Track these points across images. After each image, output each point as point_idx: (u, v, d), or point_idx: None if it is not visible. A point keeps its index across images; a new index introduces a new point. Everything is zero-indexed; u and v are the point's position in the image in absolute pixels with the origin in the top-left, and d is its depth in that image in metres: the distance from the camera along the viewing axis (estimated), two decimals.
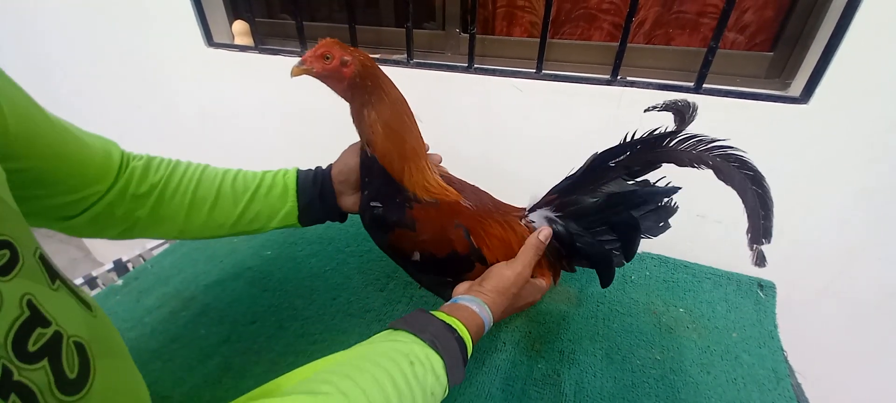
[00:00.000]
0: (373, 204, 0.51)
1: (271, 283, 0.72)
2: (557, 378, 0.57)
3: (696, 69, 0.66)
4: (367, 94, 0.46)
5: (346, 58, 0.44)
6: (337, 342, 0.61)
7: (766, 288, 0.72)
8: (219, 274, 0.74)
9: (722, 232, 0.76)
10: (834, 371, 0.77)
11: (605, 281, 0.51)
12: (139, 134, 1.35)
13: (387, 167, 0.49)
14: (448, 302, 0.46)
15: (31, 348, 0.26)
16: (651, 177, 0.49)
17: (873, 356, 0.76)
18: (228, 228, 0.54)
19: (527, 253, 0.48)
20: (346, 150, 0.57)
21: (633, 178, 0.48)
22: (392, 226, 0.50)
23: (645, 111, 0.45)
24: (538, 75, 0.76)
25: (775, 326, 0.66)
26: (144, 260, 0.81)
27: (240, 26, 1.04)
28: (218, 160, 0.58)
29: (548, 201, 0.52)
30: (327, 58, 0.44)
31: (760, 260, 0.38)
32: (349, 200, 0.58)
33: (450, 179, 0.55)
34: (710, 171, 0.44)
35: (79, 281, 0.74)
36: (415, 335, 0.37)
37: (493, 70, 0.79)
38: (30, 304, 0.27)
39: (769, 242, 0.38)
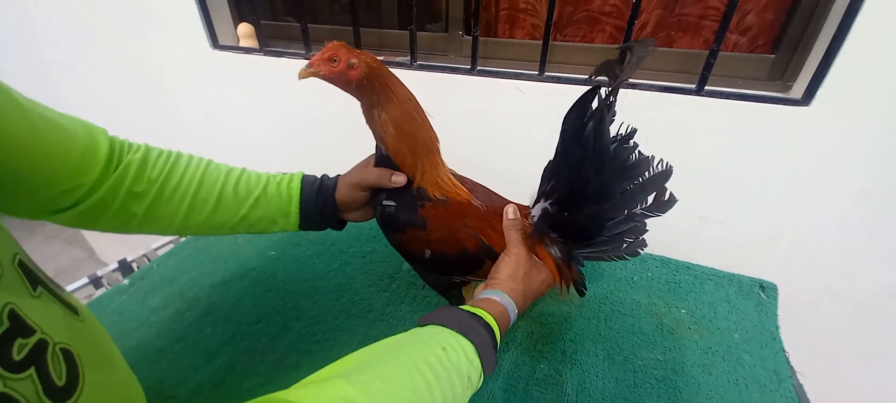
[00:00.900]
0: (386, 202, 0.51)
1: (275, 283, 0.72)
2: (560, 378, 0.58)
3: (698, 71, 0.66)
4: (375, 95, 0.47)
5: (352, 60, 0.44)
6: (340, 342, 0.62)
7: (768, 289, 0.73)
8: (223, 275, 0.74)
9: (723, 233, 0.76)
10: (835, 372, 0.77)
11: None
12: (144, 135, 1.35)
13: (400, 165, 0.50)
14: (472, 300, 0.47)
15: (17, 357, 0.26)
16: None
17: (874, 356, 0.76)
18: (228, 230, 0.53)
19: (510, 234, 0.50)
20: (353, 173, 0.55)
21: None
22: (403, 226, 0.51)
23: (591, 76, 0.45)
24: (541, 77, 0.76)
25: (777, 327, 0.66)
26: (149, 260, 0.82)
27: (245, 29, 1.05)
28: (222, 160, 0.58)
29: (541, 193, 0.53)
30: (334, 61, 0.44)
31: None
32: (353, 216, 0.58)
33: (461, 179, 0.55)
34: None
35: (83, 281, 0.74)
36: (442, 325, 0.38)
37: (496, 72, 0.79)
38: (11, 314, 0.27)
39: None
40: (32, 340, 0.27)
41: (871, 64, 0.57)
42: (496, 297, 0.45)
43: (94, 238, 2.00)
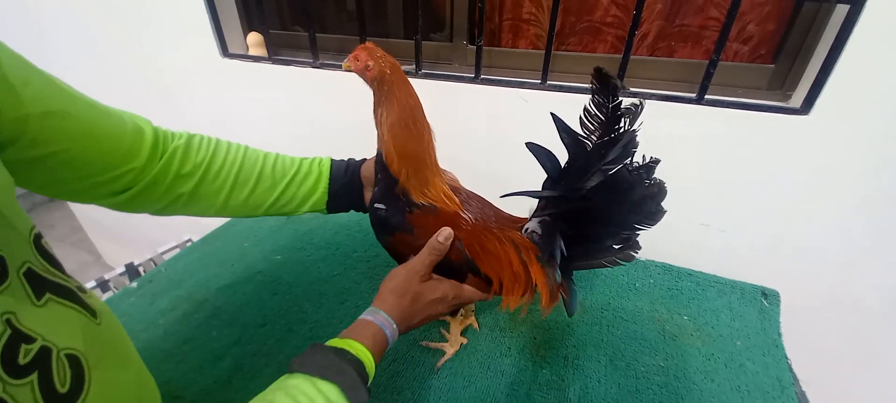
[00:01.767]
0: (377, 205, 0.53)
1: (281, 287, 0.73)
2: (562, 383, 0.58)
3: (699, 81, 0.67)
4: (382, 96, 0.51)
5: (369, 62, 0.50)
6: None
7: (770, 296, 0.73)
8: (230, 278, 0.76)
9: (725, 240, 0.76)
10: (838, 380, 0.76)
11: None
12: None
13: (388, 165, 0.52)
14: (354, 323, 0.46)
15: (22, 361, 0.27)
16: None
17: (877, 364, 0.76)
18: (264, 209, 0.56)
19: (423, 252, 0.49)
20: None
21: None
22: (393, 229, 0.53)
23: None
24: (543, 86, 0.78)
25: (779, 334, 0.66)
26: (156, 263, 0.83)
27: (254, 38, 1.08)
28: None
29: (540, 207, 0.53)
30: (358, 59, 0.50)
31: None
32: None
33: (457, 190, 0.56)
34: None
35: (90, 284, 0.75)
36: (304, 373, 0.37)
37: (500, 81, 0.81)
38: (9, 323, 0.27)
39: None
40: (35, 347, 0.28)
41: (868, 73, 0.58)
42: (371, 317, 0.44)
43: (101, 241, 2.02)
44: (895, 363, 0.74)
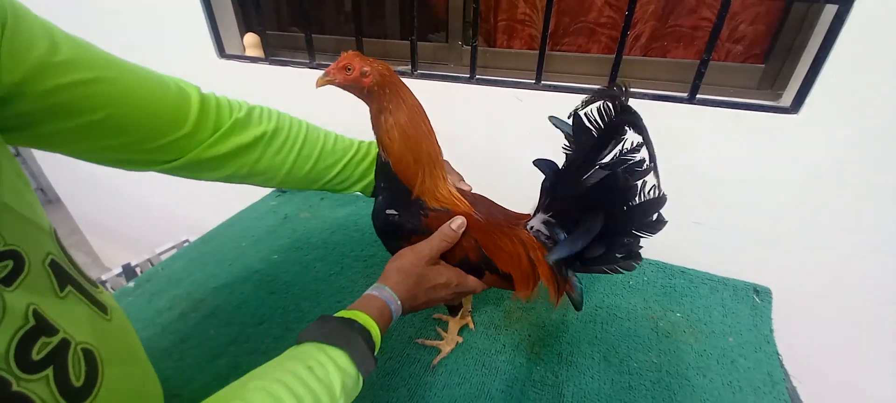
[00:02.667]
0: (389, 211, 0.52)
1: (278, 286, 0.74)
2: (556, 380, 0.59)
3: (691, 80, 0.68)
4: (385, 101, 0.48)
5: (365, 68, 0.47)
6: None
7: (762, 293, 0.74)
8: (228, 278, 0.76)
9: (718, 238, 0.77)
10: (829, 375, 0.77)
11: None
12: None
13: (400, 173, 0.50)
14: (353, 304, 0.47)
15: (35, 356, 0.27)
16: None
17: (867, 359, 0.77)
18: (321, 184, 0.58)
19: (434, 237, 0.49)
20: None
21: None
22: (408, 234, 0.51)
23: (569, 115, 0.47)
24: (538, 86, 0.78)
25: (771, 331, 0.67)
26: (152, 264, 0.84)
27: (251, 38, 1.08)
28: None
29: (542, 206, 0.54)
30: (349, 69, 0.47)
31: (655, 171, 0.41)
32: None
33: (462, 193, 0.56)
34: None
35: None
36: (312, 341, 0.38)
37: (495, 81, 0.81)
38: (36, 314, 0.27)
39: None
40: (54, 340, 0.28)
41: (856, 72, 0.59)
42: (376, 292, 0.45)
43: (98, 243, 2.02)
44: (885, 359, 0.75)
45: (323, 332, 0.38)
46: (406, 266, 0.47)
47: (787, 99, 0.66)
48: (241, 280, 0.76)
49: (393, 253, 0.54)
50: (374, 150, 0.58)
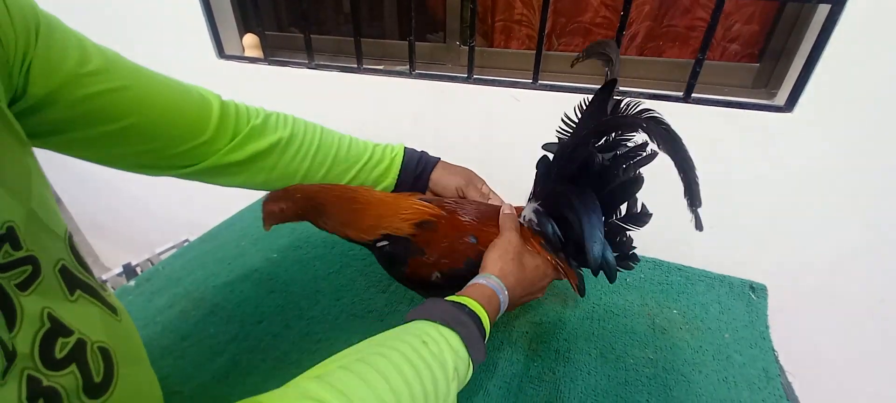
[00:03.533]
0: (379, 244, 0.53)
1: (278, 285, 0.74)
2: (553, 376, 0.59)
3: (686, 80, 0.69)
4: (313, 215, 0.51)
5: (282, 206, 0.49)
6: (341, 341, 0.63)
7: (758, 290, 0.74)
8: (227, 276, 0.76)
9: (714, 236, 0.78)
10: (823, 371, 0.78)
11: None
12: None
13: (368, 245, 0.53)
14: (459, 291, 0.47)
15: (58, 355, 0.28)
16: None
17: (861, 355, 0.77)
18: None
19: (505, 223, 0.50)
20: (456, 171, 0.62)
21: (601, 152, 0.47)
22: (404, 258, 0.52)
23: (572, 64, 0.47)
24: (535, 85, 0.79)
25: (767, 327, 0.68)
26: (153, 264, 0.84)
27: (250, 39, 1.09)
28: None
29: (532, 194, 0.54)
30: (274, 214, 0.50)
31: (698, 224, 0.39)
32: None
33: (439, 204, 0.56)
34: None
35: None
36: (426, 319, 0.37)
37: (492, 81, 0.82)
38: (50, 316, 0.28)
39: (700, 205, 0.39)
40: (72, 340, 0.29)
41: (849, 71, 0.59)
42: (483, 281, 0.44)
43: (98, 243, 2.02)
44: (879, 355, 0.76)
45: (436, 313, 0.38)
46: (504, 253, 0.47)
47: (781, 98, 0.67)
48: (241, 278, 0.76)
49: (400, 279, 0.56)
50: (389, 155, 0.59)
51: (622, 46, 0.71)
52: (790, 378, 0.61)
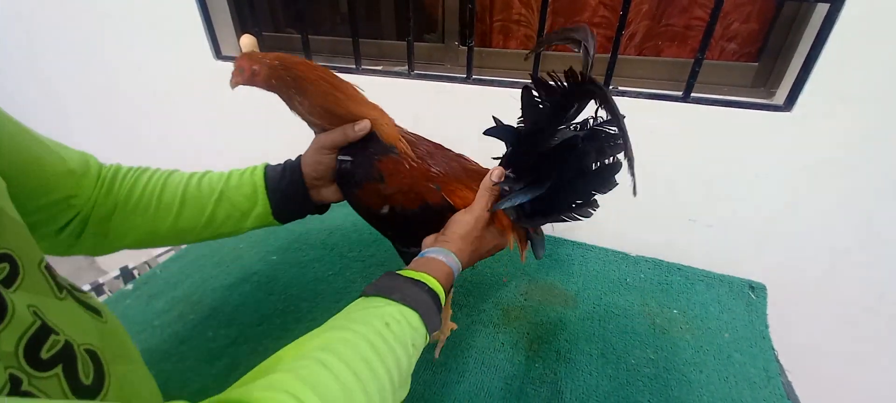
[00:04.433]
0: (341, 157, 0.50)
1: (277, 287, 0.74)
2: (555, 377, 0.59)
3: (685, 79, 0.69)
4: (289, 88, 0.48)
5: (254, 66, 0.46)
6: None
7: (758, 289, 0.74)
8: (226, 279, 0.76)
9: (713, 235, 0.78)
10: (823, 370, 0.78)
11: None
12: (148, 144, 1.38)
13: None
14: (417, 258, 0.46)
15: (45, 356, 0.27)
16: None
17: (861, 354, 0.77)
18: (198, 232, 0.52)
19: (483, 196, 0.49)
20: (311, 144, 0.55)
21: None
22: (360, 181, 0.50)
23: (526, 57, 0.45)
24: None
25: (766, 326, 0.68)
26: (150, 266, 0.83)
27: (247, 40, 1.06)
28: (224, 170, 0.60)
29: (502, 160, 0.53)
30: (241, 70, 0.47)
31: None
32: (327, 191, 0.55)
33: (415, 143, 0.53)
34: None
35: (85, 287, 0.76)
36: (386, 297, 0.38)
37: (491, 81, 0.82)
38: (36, 315, 0.28)
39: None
40: (61, 339, 0.29)
41: (847, 70, 0.59)
42: (442, 257, 0.45)
43: None
44: (878, 354, 0.76)
45: (398, 292, 0.38)
46: (470, 232, 0.48)
47: (780, 97, 0.67)
48: (239, 281, 0.76)
49: (350, 201, 0.53)
50: (256, 176, 0.53)
51: (621, 46, 0.71)
52: (790, 377, 0.61)
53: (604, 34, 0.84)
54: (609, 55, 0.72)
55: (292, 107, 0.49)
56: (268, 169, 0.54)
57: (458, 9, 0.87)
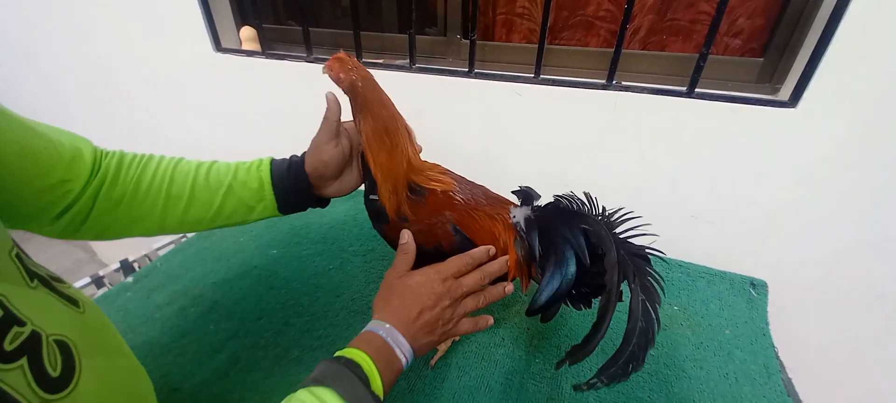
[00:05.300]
0: (372, 197, 0.55)
1: (277, 281, 0.74)
2: (555, 372, 0.59)
3: (690, 74, 0.68)
4: (357, 107, 0.53)
5: (340, 75, 0.51)
6: (340, 337, 0.63)
7: (758, 286, 0.74)
8: (226, 273, 0.76)
9: (715, 232, 0.78)
10: (824, 367, 0.78)
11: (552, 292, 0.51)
12: (148, 136, 1.38)
13: (369, 167, 0.54)
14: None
15: (8, 347, 0.26)
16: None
17: (862, 351, 0.78)
18: (207, 224, 0.53)
19: (397, 257, 0.52)
20: (313, 143, 0.56)
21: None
22: (387, 218, 0.54)
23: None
24: (536, 80, 0.78)
25: (767, 323, 0.68)
26: (150, 259, 0.83)
27: (247, 32, 1.07)
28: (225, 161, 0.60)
29: (531, 207, 0.55)
30: (332, 70, 0.52)
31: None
32: (329, 189, 0.57)
33: (445, 172, 0.58)
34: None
35: (85, 280, 0.75)
36: (303, 387, 0.38)
37: (493, 75, 0.81)
38: (2, 304, 0.27)
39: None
40: (26, 330, 0.28)
41: (853, 67, 0.59)
42: (369, 327, 0.45)
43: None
44: (879, 351, 0.76)
45: (314, 375, 0.38)
46: (381, 291, 0.49)
47: (785, 93, 0.66)
48: (240, 275, 0.76)
49: (379, 233, 0.58)
50: (263, 171, 0.54)
51: (625, 40, 0.70)
52: (790, 374, 0.61)
53: (608, 28, 0.83)
54: (613, 50, 0.72)
55: (355, 119, 0.54)
56: (274, 164, 0.56)
57: (461, 2, 0.86)
